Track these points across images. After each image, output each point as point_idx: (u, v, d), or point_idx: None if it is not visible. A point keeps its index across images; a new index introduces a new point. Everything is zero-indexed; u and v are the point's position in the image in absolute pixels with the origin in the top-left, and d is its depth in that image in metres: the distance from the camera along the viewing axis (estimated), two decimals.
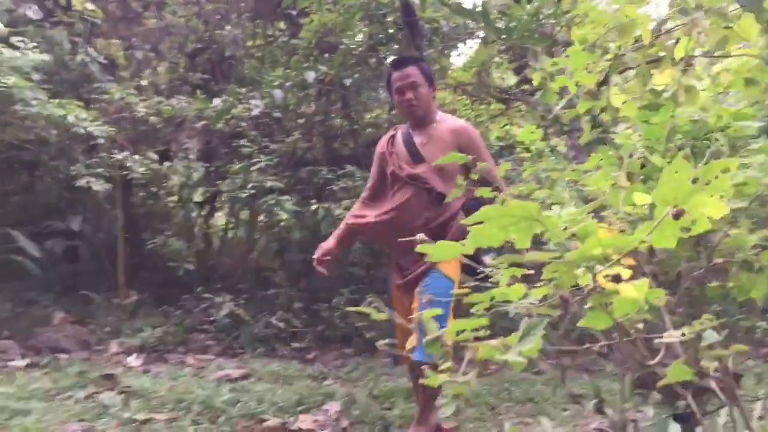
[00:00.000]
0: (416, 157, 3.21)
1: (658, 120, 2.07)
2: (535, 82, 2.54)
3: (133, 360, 4.78)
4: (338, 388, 4.26)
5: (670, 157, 2.22)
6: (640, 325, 1.27)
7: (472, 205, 3.14)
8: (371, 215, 3.28)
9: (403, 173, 3.19)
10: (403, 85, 3.16)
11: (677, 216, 0.85)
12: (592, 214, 1.28)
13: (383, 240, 3.42)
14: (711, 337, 1.10)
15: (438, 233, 3.01)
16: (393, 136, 3.36)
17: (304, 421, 3.55)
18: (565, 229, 1.00)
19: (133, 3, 7.23)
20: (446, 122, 3.28)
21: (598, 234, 0.94)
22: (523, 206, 0.89)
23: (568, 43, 6.02)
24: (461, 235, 2.87)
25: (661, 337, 1.07)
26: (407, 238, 2.83)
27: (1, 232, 5.38)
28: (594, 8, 3.47)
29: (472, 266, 2.75)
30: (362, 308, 1.43)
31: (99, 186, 5.23)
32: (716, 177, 0.94)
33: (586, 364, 5.12)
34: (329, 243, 3.33)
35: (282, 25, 7.95)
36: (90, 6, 6.37)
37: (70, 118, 5.14)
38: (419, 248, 1.15)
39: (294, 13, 6.92)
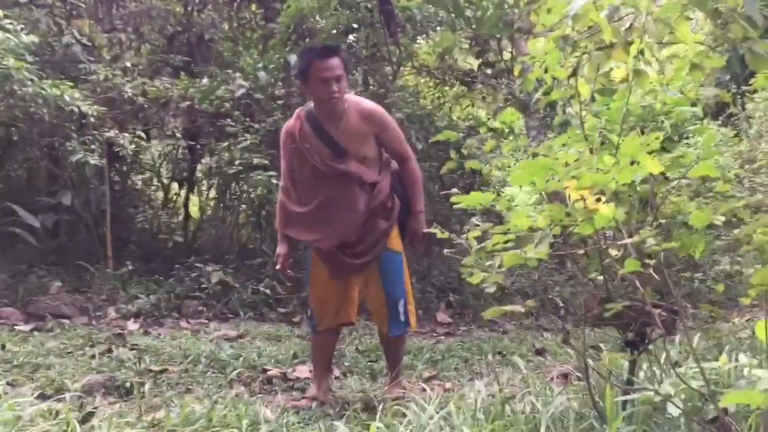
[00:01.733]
0: (338, 150, 3.20)
1: (615, 106, 2.54)
2: (515, 73, 2.98)
3: (132, 324, 5.14)
4: None
5: (625, 135, 2.71)
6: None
7: (396, 183, 3.39)
8: (305, 213, 3.30)
9: (334, 171, 3.19)
10: (329, 76, 3.07)
11: (632, 163, 1.32)
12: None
13: (322, 233, 3.31)
14: (650, 241, 1.56)
15: (377, 212, 3.27)
16: (300, 127, 3.26)
17: (302, 371, 3.99)
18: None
19: None
20: (353, 108, 3.22)
21: (590, 177, 1.39)
22: (544, 161, 1.33)
23: (528, 31, 6.50)
24: (392, 215, 3.36)
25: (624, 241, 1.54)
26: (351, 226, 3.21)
27: (1, 206, 5.64)
28: None
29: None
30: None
31: (94, 160, 5.53)
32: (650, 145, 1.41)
33: (545, 324, 5.68)
34: (283, 249, 3.40)
35: (254, 8, 8.27)
36: None
37: (66, 98, 5.41)
38: (456, 199, 1.57)
39: None
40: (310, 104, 3.29)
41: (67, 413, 2.52)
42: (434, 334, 5.43)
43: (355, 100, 3.29)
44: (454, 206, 2.10)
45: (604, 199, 1.34)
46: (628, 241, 1.50)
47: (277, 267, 3.45)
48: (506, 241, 1.52)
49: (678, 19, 3.02)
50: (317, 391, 3.37)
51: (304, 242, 3.60)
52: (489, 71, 8.33)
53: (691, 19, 3.19)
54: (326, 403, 3.30)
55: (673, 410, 1.71)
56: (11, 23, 5.72)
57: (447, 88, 9.01)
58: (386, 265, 3.35)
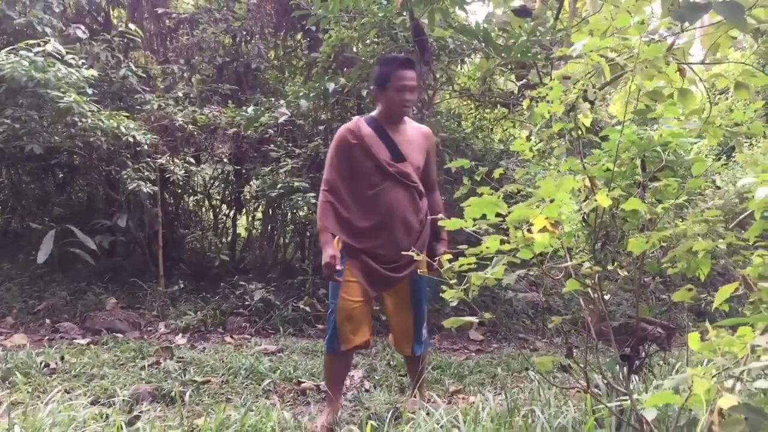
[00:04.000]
0: (398, 155, 3.32)
1: (613, 137, 2.73)
2: (524, 106, 3.18)
3: (179, 339, 5.48)
4: (360, 360, 4.94)
5: (622, 164, 2.89)
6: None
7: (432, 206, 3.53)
8: (357, 219, 3.32)
9: (392, 168, 3.29)
10: (409, 85, 3.25)
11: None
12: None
13: (374, 240, 3.33)
14: (585, 264, 1.75)
15: (420, 231, 3.40)
16: (355, 129, 3.36)
17: None
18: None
19: (167, 21, 7.94)
20: (412, 124, 3.48)
21: (529, 214, 1.60)
22: (489, 199, 1.55)
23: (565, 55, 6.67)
24: (429, 232, 3.47)
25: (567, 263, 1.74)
26: (405, 237, 3.29)
27: (61, 228, 6.08)
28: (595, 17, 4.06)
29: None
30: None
31: (147, 188, 5.94)
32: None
33: (576, 342, 5.79)
34: (332, 251, 3.25)
35: (300, 37, 8.66)
36: (131, 26, 7.07)
37: (122, 128, 5.83)
38: (442, 223, 1.78)
39: (313, 28, 7.59)
40: (371, 113, 3.46)
41: (115, 417, 2.82)
42: (465, 351, 5.61)
43: (412, 121, 3.52)
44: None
45: (564, 227, 1.55)
46: (567, 264, 1.70)
47: (336, 268, 3.22)
48: (474, 263, 1.74)
49: (722, 38, 3.16)
50: (331, 415, 3.36)
51: (349, 248, 3.36)
52: (529, 92, 8.52)
53: (735, 38, 3.29)
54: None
55: (648, 414, 1.88)
56: (73, 58, 6.19)
57: (488, 110, 9.22)
58: (417, 287, 3.46)
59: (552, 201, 1.57)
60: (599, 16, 5.75)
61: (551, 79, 7.57)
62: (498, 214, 1.61)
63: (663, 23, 3.21)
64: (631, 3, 5.97)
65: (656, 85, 2.98)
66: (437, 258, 3.39)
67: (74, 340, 5.27)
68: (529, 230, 1.61)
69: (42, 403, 3.03)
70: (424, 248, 3.35)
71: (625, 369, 2.57)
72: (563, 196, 1.58)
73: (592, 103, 2.68)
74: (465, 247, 1.78)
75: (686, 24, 3.25)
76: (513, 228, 1.63)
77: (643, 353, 2.66)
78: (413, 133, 3.41)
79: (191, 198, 7.64)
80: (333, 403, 3.43)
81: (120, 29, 7.43)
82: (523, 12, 6.35)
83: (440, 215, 3.28)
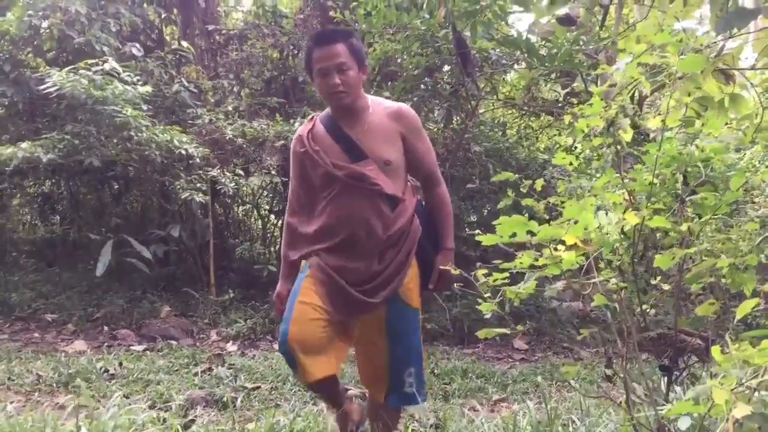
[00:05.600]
0: (355, 153, 2.58)
1: (653, 151, 2.77)
2: (566, 121, 3.23)
3: (230, 346, 5.67)
4: None
5: (664, 179, 2.93)
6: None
7: (422, 211, 2.75)
8: (318, 235, 2.63)
9: (341, 172, 2.55)
10: (327, 66, 2.49)
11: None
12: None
13: (339, 259, 2.61)
14: (612, 280, 1.82)
15: (395, 243, 2.61)
16: (311, 130, 2.69)
17: None
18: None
19: (218, 37, 8.21)
20: (381, 106, 2.67)
21: (556, 234, 1.68)
22: (519, 218, 1.64)
23: (610, 62, 6.68)
24: (413, 244, 2.64)
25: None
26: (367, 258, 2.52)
27: (118, 239, 6.35)
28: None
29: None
30: None
31: (200, 198, 6.16)
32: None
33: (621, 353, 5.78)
34: (284, 289, 2.69)
35: None
36: (184, 43, 7.34)
37: (176, 142, 6.06)
38: (479, 237, 1.86)
39: None
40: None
41: (172, 420, 2.98)
42: (510, 360, 5.66)
43: (380, 100, 2.73)
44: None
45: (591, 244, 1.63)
46: (595, 280, 1.77)
47: (280, 311, 2.65)
48: (507, 277, 1.83)
49: None
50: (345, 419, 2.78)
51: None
52: (575, 101, 8.53)
53: None
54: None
55: (682, 424, 1.92)
56: (129, 75, 6.46)
57: (532, 119, 9.25)
58: (395, 322, 2.62)
59: (576, 222, 1.65)
60: (646, 22, 5.76)
61: (596, 85, 7.61)
62: (529, 231, 1.69)
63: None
64: (678, 8, 5.98)
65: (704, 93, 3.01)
66: (437, 273, 2.67)
67: (131, 347, 5.50)
68: (556, 248, 1.69)
69: (103, 407, 3.21)
70: (406, 265, 2.62)
71: (664, 379, 2.61)
72: (588, 217, 1.66)
73: (634, 116, 2.74)
74: (499, 261, 1.87)
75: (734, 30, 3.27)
76: (542, 246, 1.71)
77: (683, 364, 2.69)
78: (378, 119, 2.61)
79: (240, 208, 7.87)
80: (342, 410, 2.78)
81: (173, 47, 7.72)
82: (567, 20, 6.36)
83: (450, 219, 2.78)
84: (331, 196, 2.58)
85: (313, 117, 2.77)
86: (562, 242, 1.71)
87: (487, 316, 1.88)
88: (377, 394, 2.73)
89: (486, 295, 1.80)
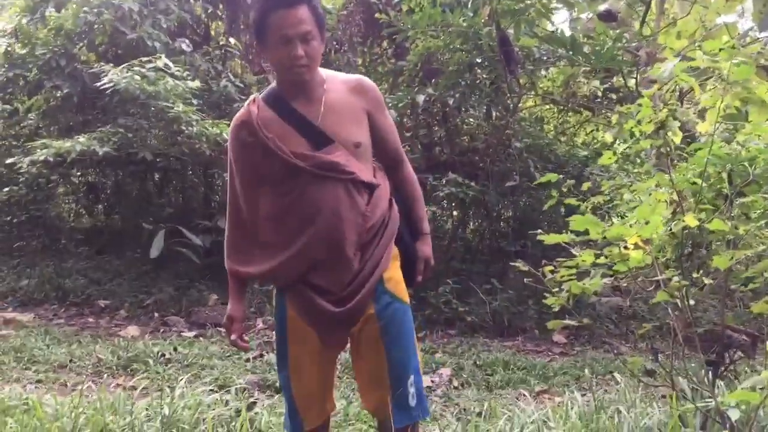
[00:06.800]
0: (316, 138, 2.15)
1: (702, 153, 2.87)
2: (613, 121, 3.34)
3: None
4: (447, 359, 5.16)
5: (710, 178, 3.02)
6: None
7: (398, 201, 2.33)
8: (280, 242, 2.16)
9: (306, 163, 2.11)
10: (290, 34, 2.03)
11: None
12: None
13: (309, 268, 2.16)
14: (674, 279, 1.92)
15: (374, 235, 2.19)
16: (258, 114, 2.18)
17: (424, 381, 4.48)
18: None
19: None
20: (337, 80, 2.25)
21: (625, 233, 1.80)
22: (592, 218, 1.76)
23: (651, 59, 6.72)
24: (394, 232, 2.20)
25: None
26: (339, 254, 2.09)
27: (167, 228, 6.58)
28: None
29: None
30: None
31: None
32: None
33: (662, 348, 5.85)
34: (235, 310, 2.26)
35: (385, 45, 8.96)
36: (231, 40, 7.54)
37: (225, 135, 6.25)
38: (540, 237, 2.00)
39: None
40: (273, 85, 2.28)
41: (236, 402, 3.16)
42: (549, 353, 5.76)
43: (334, 73, 2.30)
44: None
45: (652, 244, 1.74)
46: (659, 277, 1.88)
47: (231, 338, 2.26)
48: (572, 273, 1.95)
49: None
50: None
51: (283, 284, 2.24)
52: (614, 96, 8.56)
53: None
54: None
55: (733, 414, 2.02)
56: (179, 70, 6.67)
57: (571, 114, 9.28)
58: (390, 321, 2.21)
59: (647, 223, 1.76)
60: (688, 18, 5.79)
61: (636, 82, 7.63)
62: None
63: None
64: (720, 4, 5.99)
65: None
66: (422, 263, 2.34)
67: (182, 333, 5.72)
68: (625, 247, 1.80)
69: (168, 388, 3.41)
70: (387, 257, 2.22)
71: (710, 374, 2.71)
72: (657, 219, 1.77)
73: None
74: (564, 259, 1.99)
75: None
76: (608, 243, 1.83)
77: (728, 359, 2.79)
78: (338, 95, 2.20)
79: None
80: None
81: (219, 42, 7.92)
82: (608, 16, 6.40)
83: (422, 200, 2.44)
84: (294, 194, 2.14)
85: (254, 97, 2.27)
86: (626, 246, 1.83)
87: (555, 309, 2.00)
88: (379, 412, 2.31)
89: (554, 290, 1.92)
